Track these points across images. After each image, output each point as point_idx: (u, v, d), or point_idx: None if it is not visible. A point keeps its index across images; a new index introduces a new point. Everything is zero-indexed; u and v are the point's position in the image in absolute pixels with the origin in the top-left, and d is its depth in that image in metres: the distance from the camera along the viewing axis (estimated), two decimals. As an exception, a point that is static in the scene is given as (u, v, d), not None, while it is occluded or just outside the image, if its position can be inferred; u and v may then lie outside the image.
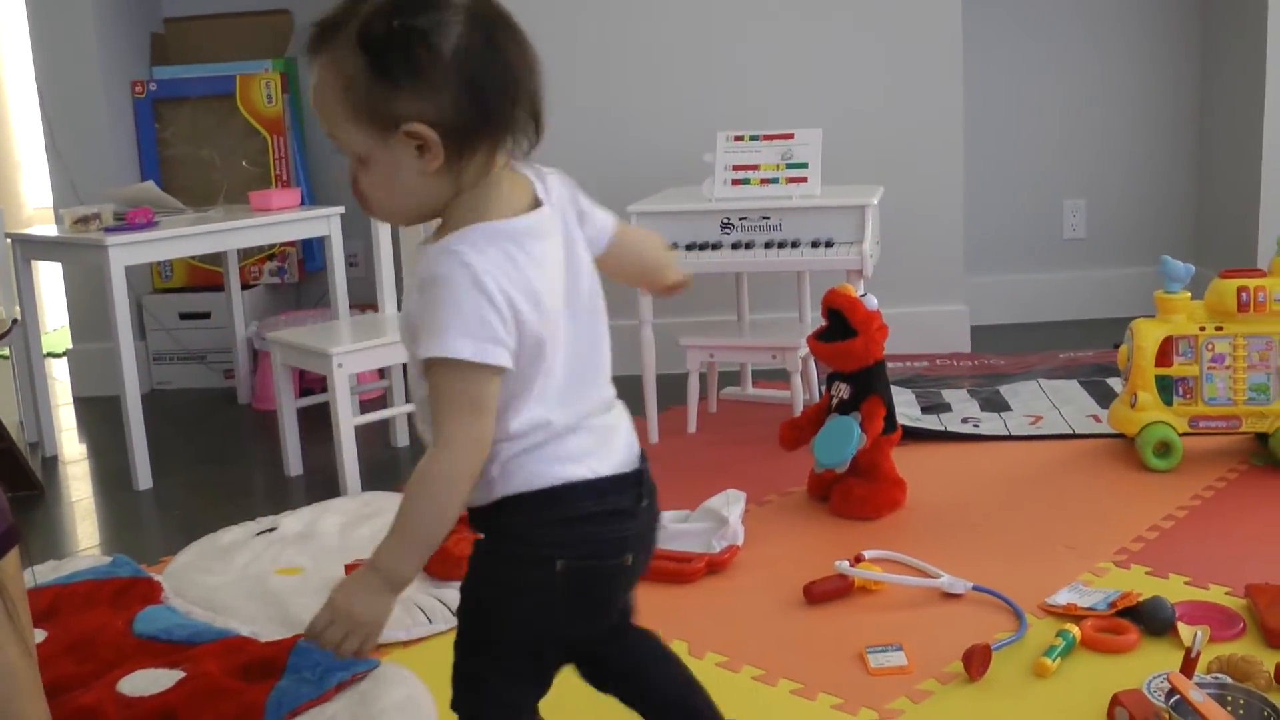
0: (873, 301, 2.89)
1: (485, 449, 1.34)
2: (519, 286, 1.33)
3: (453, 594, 2.38)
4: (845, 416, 2.84)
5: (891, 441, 2.89)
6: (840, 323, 2.89)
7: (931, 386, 3.84)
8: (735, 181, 3.45)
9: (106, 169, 4.36)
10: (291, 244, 4.47)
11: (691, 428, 3.55)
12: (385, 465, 3.47)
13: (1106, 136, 4.72)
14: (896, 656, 2.13)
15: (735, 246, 3.34)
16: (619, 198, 3.65)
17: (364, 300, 4.15)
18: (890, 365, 3.12)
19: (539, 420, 1.39)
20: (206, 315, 4.51)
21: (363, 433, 3.23)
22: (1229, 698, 1.79)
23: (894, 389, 3.09)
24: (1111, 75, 4.68)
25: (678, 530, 2.65)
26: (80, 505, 3.33)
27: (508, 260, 1.33)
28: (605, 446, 1.44)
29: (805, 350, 3.31)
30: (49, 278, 5.80)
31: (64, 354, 4.72)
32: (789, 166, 3.44)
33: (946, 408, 3.60)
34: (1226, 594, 2.31)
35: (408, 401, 3.45)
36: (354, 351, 3.14)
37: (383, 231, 3.55)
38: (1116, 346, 3.26)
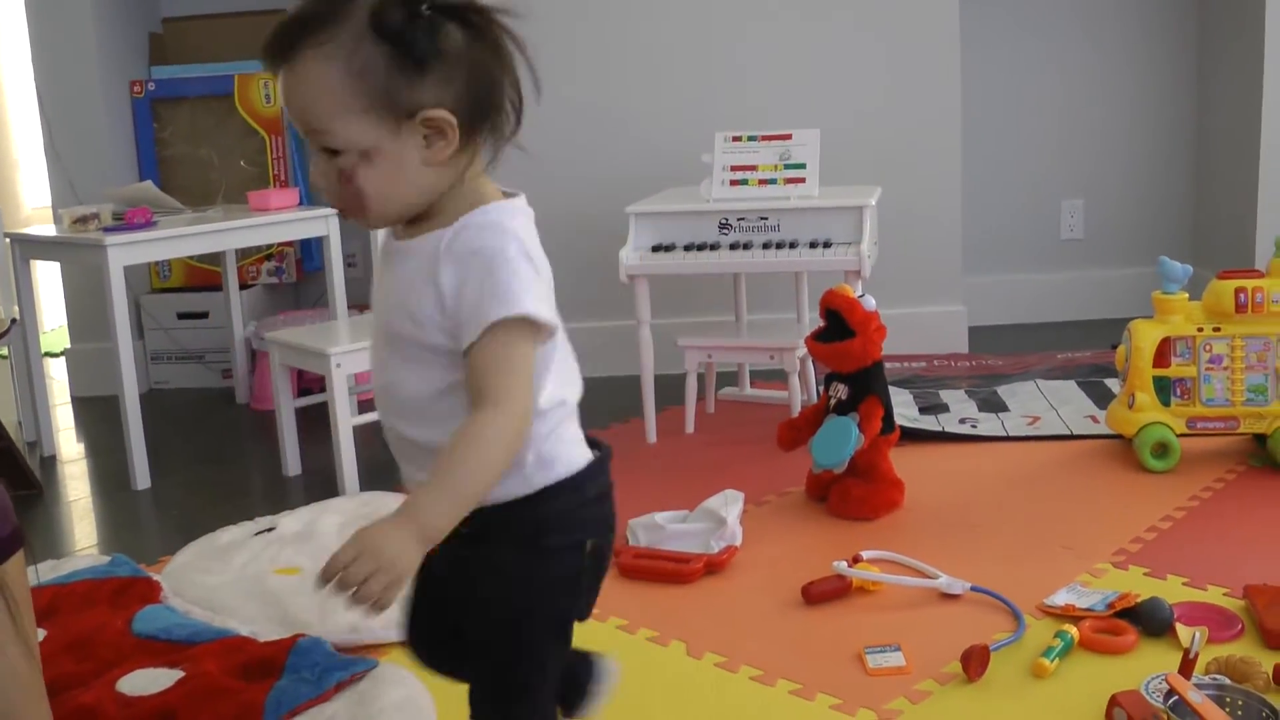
0: (871, 302, 2.89)
1: (531, 418, 1.33)
2: (544, 258, 1.36)
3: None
4: (843, 417, 2.84)
5: (889, 442, 2.89)
6: (838, 323, 2.89)
7: (929, 387, 3.84)
8: (733, 182, 3.45)
9: (105, 169, 4.35)
10: (290, 244, 4.47)
11: (689, 428, 3.55)
12: (384, 465, 3.47)
13: (1104, 137, 4.72)
14: (895, 657, 2.13)
15: (733, 247, 3.34)
16: (617, 198, 3.67)
17: (362, 300, 4.15)
18: (888, 366, 3.13)
19: (558, 398, 1.40)
20: (205, 315, 4.51)
21: (361, 433, 3.23)
22: (1227, 699, 1.79)
23: (892, 389, 3.09)
24: (1109, 76, 4.69)
25: (676, 531, 2.65)
26: (78, 505, 3.33)
27: (532, 233, 1.37)
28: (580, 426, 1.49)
29: (803, 351, 3.31)
30: (47, 277, 5.80)
31: (62, 353, 4.71)
32: (787, 167, 3.44)
33: (944, 408, 3.60)
34: (1225, 595, 2.31)
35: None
36: (352, 351, 3.14)
37: (381, 232, 3.55)
38: (1114, 347, 3.27)
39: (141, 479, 3.38)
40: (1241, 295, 2.93)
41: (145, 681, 2.06)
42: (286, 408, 3.38)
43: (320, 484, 3.26)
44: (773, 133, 3.50)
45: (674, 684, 2.13)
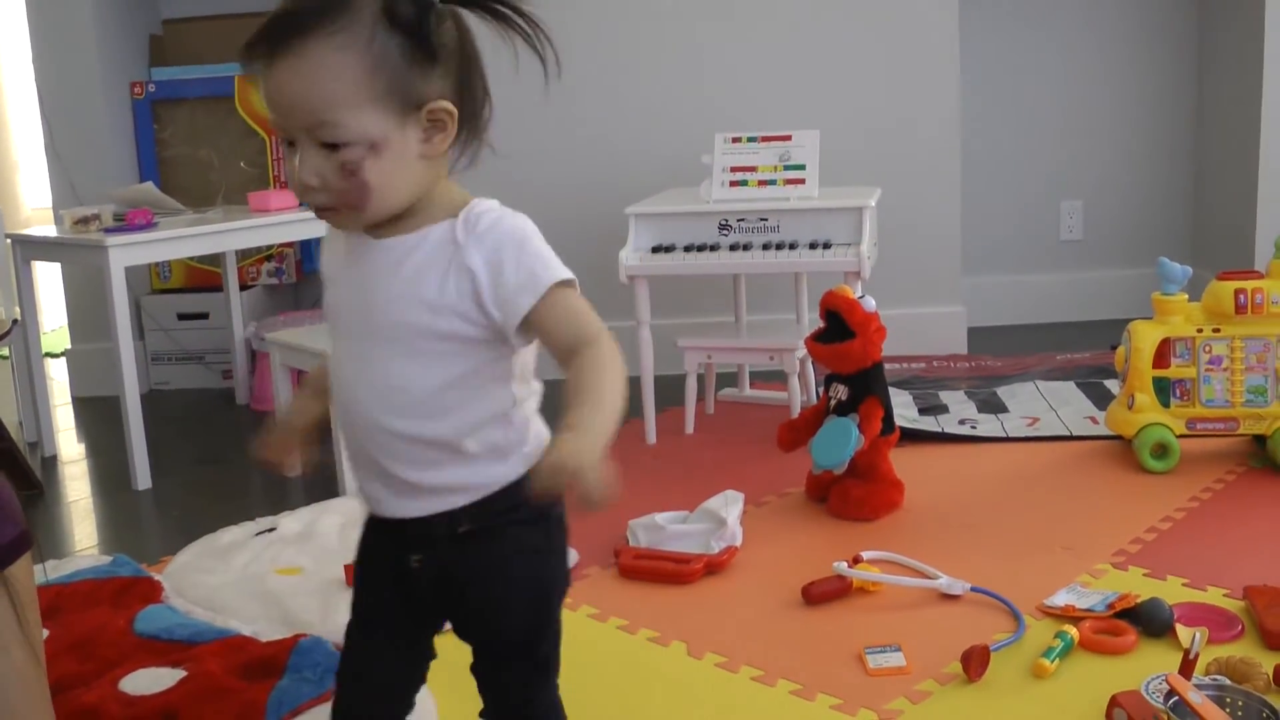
0: (870, 303, 2.89)
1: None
2: None
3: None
4: (843, 418, 2.85)
5: (889, 443, 2.90)
6: (838, 324, 2.89)
7: (929, 388, 3.85)
8: (733, 183, 3.45)
9: (105, 170, 4.36)
10: (289, 245, 4.47)
11: (689, 429, 3.55)
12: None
13: (1104, 138, 4.73)
14: (895, 657, 2.14)
15: (733, 248, 3.34)
16: (617, 199, 3.67)
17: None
18: (888, 367, 3.13)
19: (531, 369, 1.43)
20: (205, 316, 4.51)
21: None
22: (1227, 699, 1.79)
23: (891, 390, 3.10)
24: (1109, 77, 4.69)
25: (676, 531, 2.65)
26: (79, 505, 3.33)
27: None
28: None
29: (803, 352, 3.32)
30: (48, 278, 5.80)
31: (63, 354, 4.72)
32: (787, 168, 3.45)
33: (944, 409, 3.61)
34: (1225, 596, 2.32)
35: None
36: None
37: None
38: (1114, 348, 3.27)
39: (142, 479, 3.38)
40: (1241, 296, 2.93)
41: (148, 681, 2.06)
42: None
43: (321, 484, 3.26)
44: (772, 134, 3.50)
45: (674, 684, 2.13)
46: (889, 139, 4.23)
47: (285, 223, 3.72)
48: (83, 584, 2.50)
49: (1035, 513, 2.82)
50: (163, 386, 4.56)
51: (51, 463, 3.72)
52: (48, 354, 4.66)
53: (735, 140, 3.51)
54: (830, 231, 3.32)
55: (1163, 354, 3.01)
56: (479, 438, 1.37)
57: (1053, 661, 2.06)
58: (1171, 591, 2.34)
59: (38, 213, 6.96)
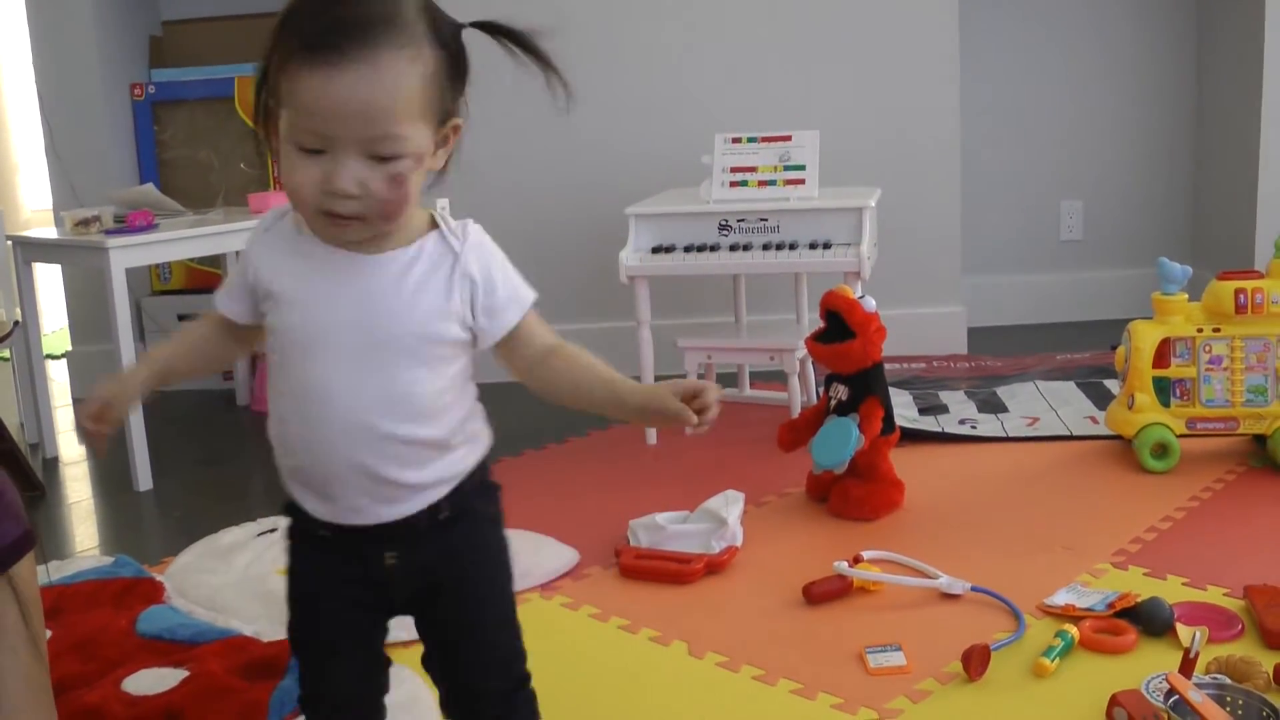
0: (871, 303, 2.90)
1: None
2: None
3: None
4: (843, 418, 2.85)
5: (890, 443, 2.90)
6: (838, 324, 2.90)
7: (929, 388, 3.85)
8: (733, 183, 3.46)
9: (106, 171, 4.36)
10: (290, 246, 4.46)
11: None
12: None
13: (1103, 138, 4.73)
14: (896, 656, 2.14)
15: (733, 248, 3.35)
16: (617, 199, 3.68)
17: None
18: (888, 367, 3.13)
19: None
20: (205, 317, 4.51)
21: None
22: (1228, 698, 1.80)
23: (892, 390, 3.10)
24: (1108, 77, 4.69)
25: (677, 531, 2.66)
26: (81, 506, 3.34)
27: None
28: None
29: (803, 352, 3.32)
30: (48, 280, 5.80)
31: (63, 356, 4.72)
32: (786, 168, 3.45)
33: (944, 409, 3.61)
34: (1225, 595, 2.32)
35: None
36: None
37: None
38: (1113, 348, 3.27)
39: (143, 480, 3.39)
40: (1241, 296, 2.94)
41: (150, 681, 2.07)
42: (288, 409, 3.38)
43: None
44: (772, 134, 3.50)
45: (676, 683, 2.14)
46: (889, 139, 4.24)
47: (286, 224, 3.71)
48: (85, 585, 2.51)
49: (1035, 512, 2.82)
50: (163, 388, 4.55)
51: (53, 464, 3.72)
52: (49, 355, 4.66)
53: (735, 140, 3.51)
54: (830, 232, 3.32)
55: (1163, 354, 3.01)
56: (463, 431, 1.45)
57: (1053, 661, 2.06)
58: (1171, 591, 2.34)
59: (38, 214, 6.97)
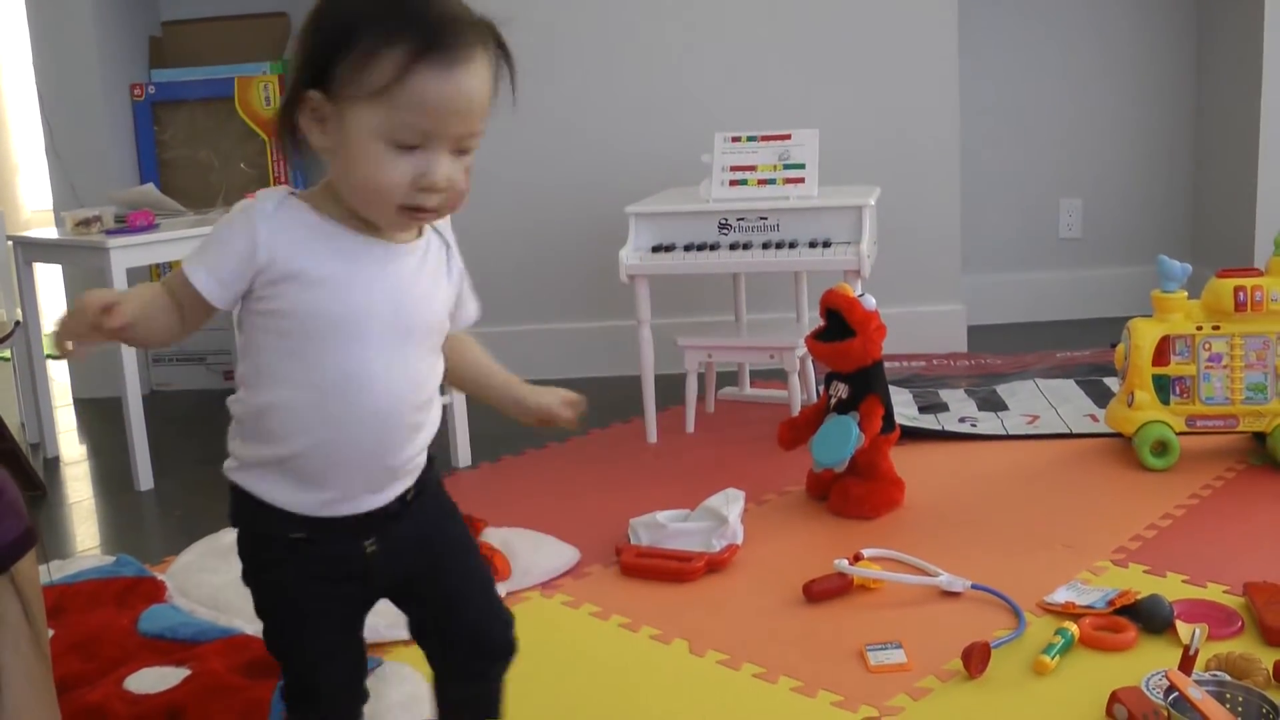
0: (870, 301, 2.90)
1: None
2: None
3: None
4: (843, 416, 2.85)
5: (890, 441, 2.90)
6: (838, 323, 2.90)
7: (929, 386, 3.85)
8: (733, 182, 3.46)
9: (106, 171, 4.36)
10: (290, 245, 4.46)
11: (690, 428, 3.56)
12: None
13: (1103, 136, 4.74)
14: (896, 654, 2.14)
15: (733, 247, 3.35)
16: (617, 198, 3.68)
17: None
18: (888, 365, 3.14)
19: None
20: (206, 317, 4.51)
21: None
22: (1227, 695, 1.80)
23: (892, 389, 3.10)
24: (1107, 75, 4.70)
25: (677, 529, 2.66)
26: (82, 506, 3.34)
27: None
28: None
29: (803, 350, 3.33)
30: (48, 280, 5.80)
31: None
32: (786, 167, 3.45)
33: (944, 407, 3.61)
34: (1224, 592, 2.32)
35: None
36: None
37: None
38: (1113, 346, 3.28)
39: (144, 480, 3.39)
40: (1240, 294, 2.94)
41: (152, 680, 2.07)
42: (288, 409, 3.38)
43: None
44: (772, 133, 3.51)
45: (676, 681, 2.14)
46: (888, 138, 4.24)
47: (286, 223, 3.71)
48: (86, 584, 2.51)
49: (1035, 510, 2.82)
50: (164, 387, 4.57)
51: (54, 464, 3.73)
52: (49, 356, 4.65)
53: (735, 139, 3.51)
54: (830, 230, 3.32)
55: (1162, 351, 3.02)
56: (437, 411, 1.52)
57: (1053, 658, 2.06)
58: (1171, 588, 2.34)
59: (39, 215, 6.97)
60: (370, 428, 1.41)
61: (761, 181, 3.45)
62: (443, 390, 1.61)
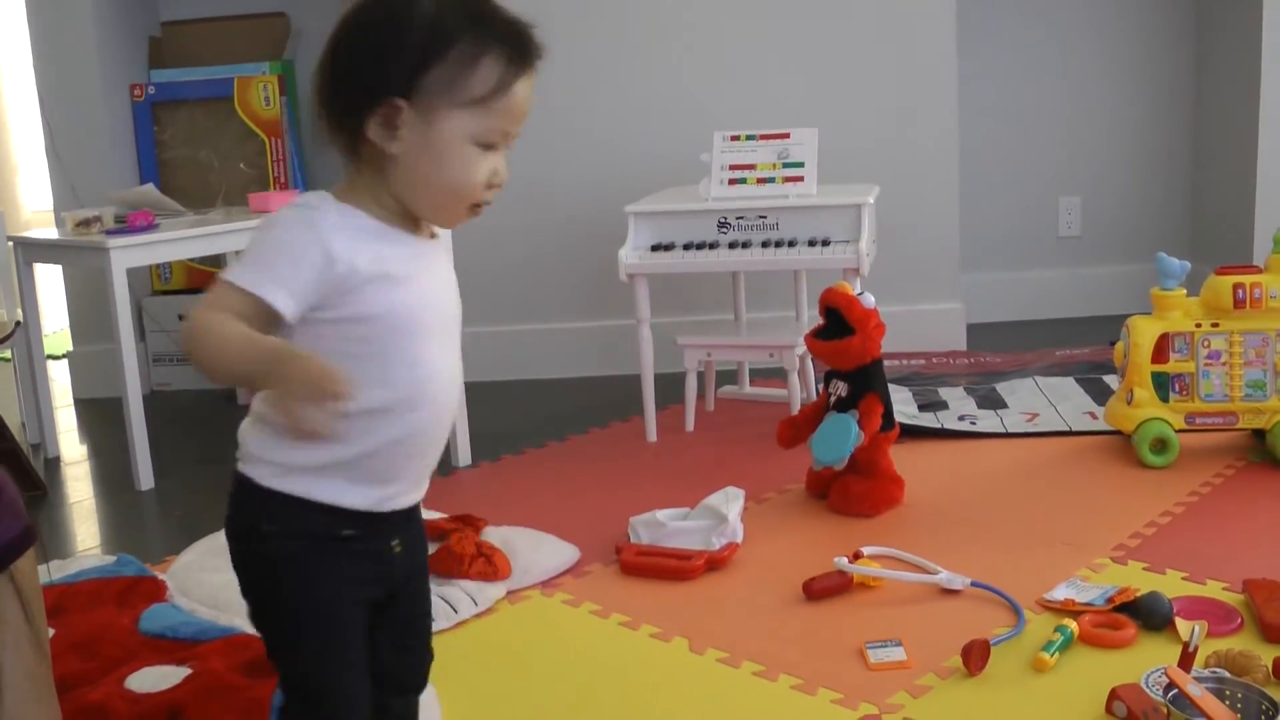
0: (870, 300, 2.90)
1: None
2: None
3: (455, 591, 2.40)
4: (843, 414, 2.86)
5: (889, 439, 2.91)
6: (837, 321, 2.90)
7: (928, 384, 3.85)
8: (732, 181, 3.46)
9: (106, 172, 4.37)
10: (290, 245, 4.46)
11: (689, 426, 3.56)
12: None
13: (1102, 134, 4.74)
14: (896, 652, 2.15)
15: (732, 246, 3.35)
16: (616, 197, 3.68)
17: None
18: (887, 363, 3.14)
19: None
20: (206, 317, 4.51)
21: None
22: (1227, 692, 1.80)
23: (891, 387, 3.11)
24: (1107, 73, 4.70)
25: (677, 528, 2.66)
26: (82, 506, 3.34)
27: None
28: None
29: (803, 349, 3.33)
30: (48, 280, 5.81)
31: (64, 356, 4.73)
32: (785, 166, 3.46)
33: (943, 405, 3.62)
34: (1224, 589, 2.32)
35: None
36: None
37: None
38: (1112, 344, 3.28)
39: (145, 480, 3.39)
40: (1239, 291, 2.94)
41: (153, 679, 2.07)
42: (288, 408, 3.38)
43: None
44: (771, 132, 3.51)
45: (676, 680, 2.14)
46: (888, 137, 4.24)
47: (286, 223, 3.71)
48: (87, 584, 2.51)
49: (1035, 508, 2.83)
50: (164, 387, 4.57)
51: (54, 464, 3.73)
52: (50, 356, 4.66)
53: (734, 138, 3.52)
54: (829, 229, 3.32)
55: (1161, 349, 3.02)
56: None
57: (1053, 655, 2.07)
58: (1171, 585, 2.35)
59: (39, 215, 6.97)
60: (439, 420, 1.44)
61: (761, 180, 3.45)
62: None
